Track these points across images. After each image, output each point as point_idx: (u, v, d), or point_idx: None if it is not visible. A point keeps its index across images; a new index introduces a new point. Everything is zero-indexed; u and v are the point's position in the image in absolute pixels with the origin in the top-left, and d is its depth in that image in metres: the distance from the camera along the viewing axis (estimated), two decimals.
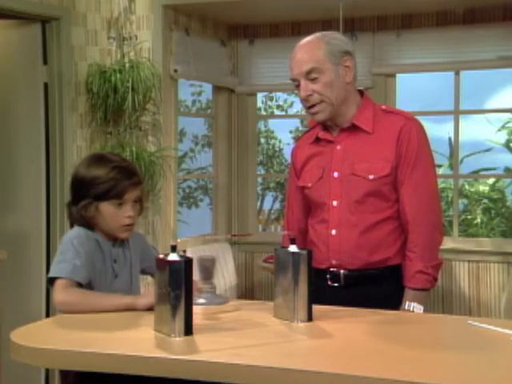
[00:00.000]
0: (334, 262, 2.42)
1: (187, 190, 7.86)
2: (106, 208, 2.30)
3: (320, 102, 2.40)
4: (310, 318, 2.04)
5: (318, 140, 2.53)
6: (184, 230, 6.35)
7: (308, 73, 2.38)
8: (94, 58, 4.49)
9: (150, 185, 4.47)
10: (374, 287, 2.41)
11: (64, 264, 2.22)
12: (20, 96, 4.38)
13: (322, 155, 2.50)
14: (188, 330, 1.87)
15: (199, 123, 6.96)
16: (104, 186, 2.28)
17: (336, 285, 2.43)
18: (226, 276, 5.08)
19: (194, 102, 7.63)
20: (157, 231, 4.64)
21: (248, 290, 5.52)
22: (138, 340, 1.88)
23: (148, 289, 2.17)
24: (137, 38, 4.59)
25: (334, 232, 2.42)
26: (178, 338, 1.86)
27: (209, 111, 7.07)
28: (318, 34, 2.45)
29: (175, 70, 4.71)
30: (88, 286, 2.27)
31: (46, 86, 4.32)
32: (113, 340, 1.89)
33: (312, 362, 1.70)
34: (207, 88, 6.28)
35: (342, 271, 2.42)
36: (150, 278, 2.56)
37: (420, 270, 2.36)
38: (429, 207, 2.43)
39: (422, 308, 2.35)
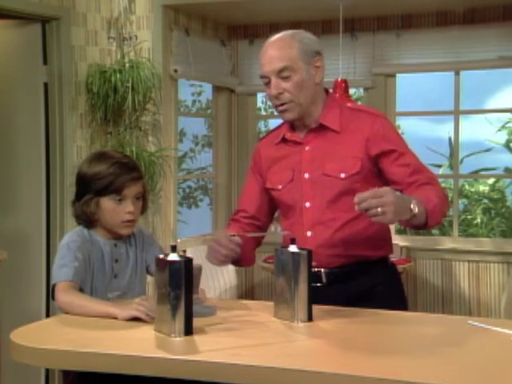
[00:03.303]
0: (313, 263, 2.30)
1: (187, 190, 7.86)
2: (107, 203, 2.32)
3: (289, 102, 2.37)
4: (310, 318, 2.04)
5: (284, 141, 2.49)
6: (184, 230, 6.35)
7: (280, 71, 2.34)
8: (93, 58, 4.49)
9: (150, 185, 4.47)
10: (356, 283, 2.38)
11: (66, 269, 2.25)
12: (20, 96, 4.38)
13: (290, 157, 2.46)
14: (188, 330, 1.87)
15: (199, 123, 6.96)
16: (104, 181, 2.30)
17: (318, 285, 2.37)
18: (225, 276, 5.08)
19: (194, 102, 7.63)
20: (157, 231, 4.64)
21: (248, 290, 5.52)
22: (138, 340, 1.88)
23: (137, 300, 2.15)
24: (137, 38, 4.59)
25: (309, 234, 2.39)
26: (178, 338, 1.86)
27: (209, 111, 7.07)
28: (289, 32, 2.41)
29: (175, 70, 4.71)
30: (83, 286, 2.29)
31: (46, 85, 4.33)
32: (113, 340, 1.89)
33: (312, 362, 1.70)
34: (207, 88, 6.28)
35: (322, 270, 2.39)
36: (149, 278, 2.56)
37: (437, 209, 2.22)
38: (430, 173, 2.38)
39: (416, 210, 2.13)
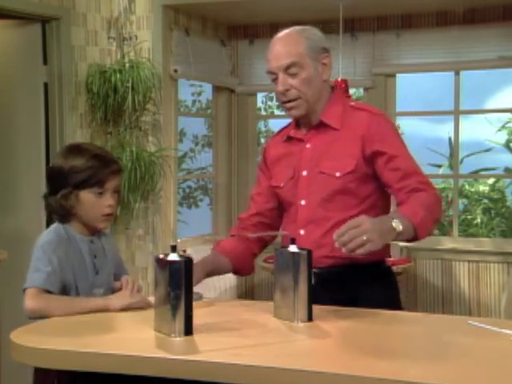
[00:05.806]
0: None
1: (187, 190, 7.86)
2: (87, 197, 2.27)
3: (297, 98, 2.36)
4: (310, 318, 2.03)
5: (289, 139, 2.49)
6: (184, 230, 6.35)
7: (288, 67, 2.32)
8: (93, 58, 4.49)
9: (150, 185, 4.48)
10: (344, 286, 2.35)
11: (38, 273, 2.20)
12: (20, 96, 4.39)
13: (293, 154, 2.45)
14: (188, 330, 1.87)
15: (199, 123, 6.96)
16: (83, 174, 2.26)
17: None
18: (225, 276, 5.07)
19: (194, 102, 7.63)
20: (157, 231, 4.64)
21: (248, 290, 5.52)
22: (138, 340, 1.88)
23: (123, 289, 2.16)
24: (137, 38, 4.60)
25: (302, 232, 2.37)
26: (178, 338, 1.86)
27: (209, 111, 7.07)
28: (296, 28, 2.39)
29: (175, 70, 4.71)
30: (68, 287, 2.25)
31: (46, 85, 4.33)
32: (113, 340, 1.89)
33: (312, 362, 1.70)
34: (207, 88, 6.28)
35: (312, 270, 2.37)
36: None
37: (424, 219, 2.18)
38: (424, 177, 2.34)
39: (400, 227, 2.10)
